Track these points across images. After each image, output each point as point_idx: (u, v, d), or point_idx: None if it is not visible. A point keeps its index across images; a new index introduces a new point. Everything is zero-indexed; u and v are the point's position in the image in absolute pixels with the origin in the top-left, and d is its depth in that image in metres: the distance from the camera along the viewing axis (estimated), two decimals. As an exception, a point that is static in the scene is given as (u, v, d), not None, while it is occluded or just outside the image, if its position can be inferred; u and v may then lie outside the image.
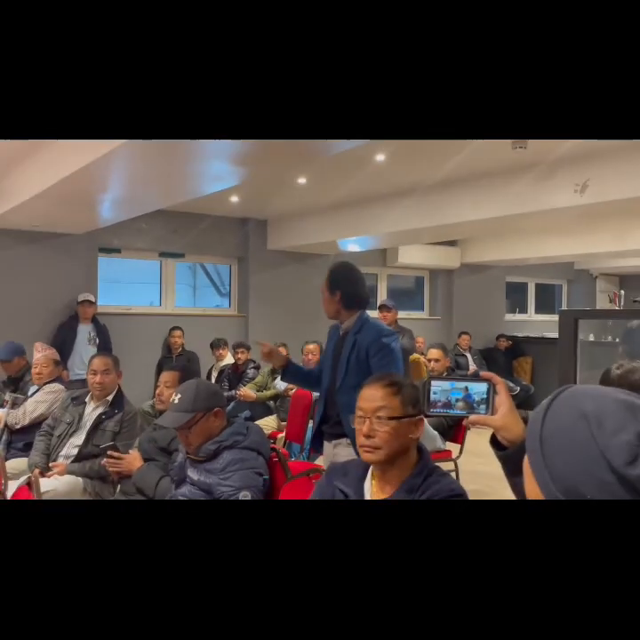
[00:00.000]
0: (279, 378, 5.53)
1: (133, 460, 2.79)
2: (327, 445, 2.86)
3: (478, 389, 1.17)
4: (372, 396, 1.74)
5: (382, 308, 5.42)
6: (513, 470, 1.09)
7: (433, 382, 1.21)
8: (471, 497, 1.72)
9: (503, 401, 1.14)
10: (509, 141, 4.43)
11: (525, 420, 1.13)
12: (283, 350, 5.75)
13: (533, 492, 0.79)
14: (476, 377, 1.21)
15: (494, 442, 1.14)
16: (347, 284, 2.80)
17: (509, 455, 1.10)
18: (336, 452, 2.70)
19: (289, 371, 2.98)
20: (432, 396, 1.20)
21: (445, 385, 1.20)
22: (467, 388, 1.18)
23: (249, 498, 2.18)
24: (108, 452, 2.85)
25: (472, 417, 1.17)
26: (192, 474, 2.34)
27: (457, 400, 1.18)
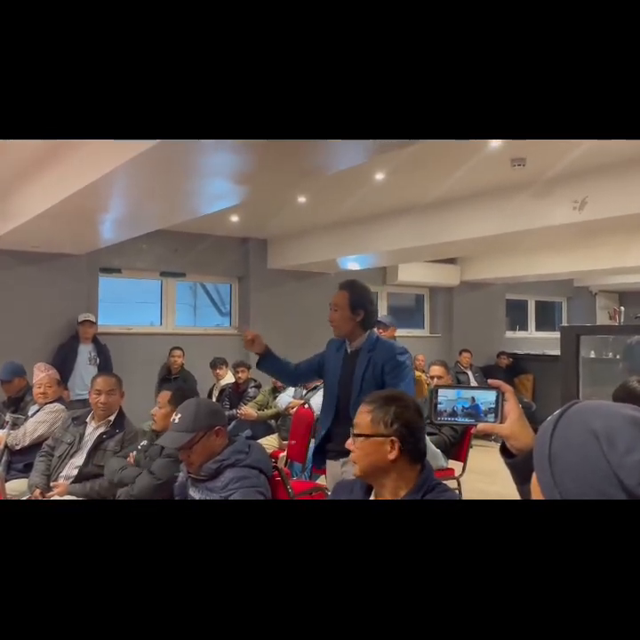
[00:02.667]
0: (280, 396, 5.52)
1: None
2: (333, 464, 2.82)
3: (486, 398, 1.16)
4: (358, 411, 1.78)
5: (379, 324, 5.41)
6: (522, 478, 1.08)
7: (439, 391, 1.20)
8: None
9: (512, 409, 1.14)
10: (508, 159, 4.46)
11: (536, 432, 1.12)
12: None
13: None
14: (484, 385, 1.20)
15: (504, 450, 1.14)
16: (369, 304, 2.83)
17: (519, 463, 1.09)
18: (345, 470, 2.67)
19: (266, 358, 2.94)
20: (439, 406, 1.19)
21: (452, 394, 1.19)
22: (473, 398, 1.17)
23: None
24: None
25: (480, 425, 1.16)
26: (194, 493, 2.32)
27: (463, 409, 1.18)
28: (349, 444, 1.74)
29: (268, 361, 2.97)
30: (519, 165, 4.44)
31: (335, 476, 2.73)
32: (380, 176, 4.86)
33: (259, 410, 5.58)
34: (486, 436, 7.27)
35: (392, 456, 1.66)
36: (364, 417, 1.72)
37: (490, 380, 1.20)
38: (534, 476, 0.81)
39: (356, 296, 2.81)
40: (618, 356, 3.75)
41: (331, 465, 2.86)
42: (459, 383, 7.88)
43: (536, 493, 0.80)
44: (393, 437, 1.66)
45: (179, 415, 2.35)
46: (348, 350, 2.85)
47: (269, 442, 5.14)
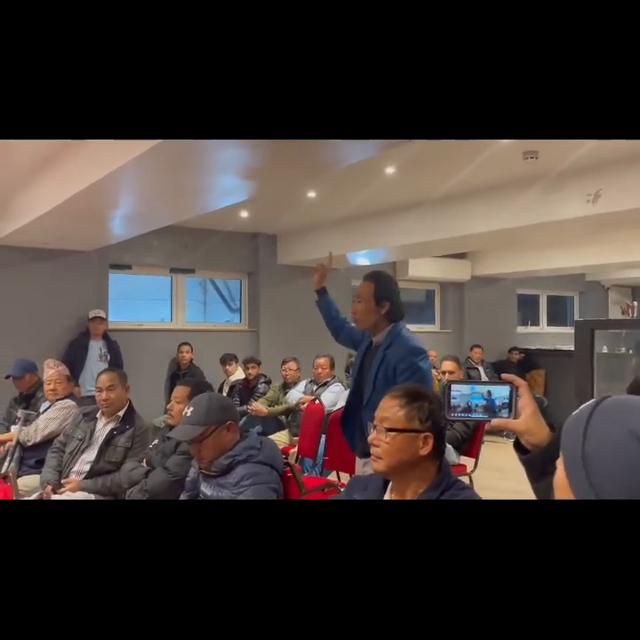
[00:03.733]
0: (290, 392, 5.51)
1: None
2: (359, 461, 2.77)
3: (500, 393, 1.14)
4: (383, 405, 1.73)
5: None
6: (537, 475, 1.05)
7: (453, 386, 1.18)
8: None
9: (527, 404, 1.11)
10: (520, 152, 4.41)
11: (552, 426, 1.10)
12: (294, 365, 5.74)
13: None
14: (497, 380, 1.18)
15: (518, 446, 1.11)
16: (394, 296, 2.71)
17: (534, 459, 1.06)
18: (365, 470, 2.63)
19: (325, 298, 3.07)
20: (452, 401, 1.17)
21: (466, 389, 1.17)
22: (489, 393, 1.14)
23: None
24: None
25: (494, 421, 1.13)
26: (205, 489, 2.31)
27: (477, 405, 1.15)
28: (373, 437, 1.70)
29: (323, 301, 3.09)
30: (531, 158, 4.39)
31: (359, 473, 2.69)
32: (390, 170, 4.82)
33: (269, 406, 5.58)
34: (498, 431, 7.25)
35: (424, 451, 1.64)
36: (395, 411, 1.68)
37: (503, 375, 1.17)
38: (559, 474, 0.77)
39: (382, 287, 2.70)
40: (631, 351, 3.71)
41: (358, 462, 2.80)
42: (469, 379, 7.84)
43: (562, 491, 0.77)
44: (427, 433, 1.65)
45: (191, 408, 2.35)
46: (373, 343, 2.74)
47: (280, 438, 5.13)
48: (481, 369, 8.36)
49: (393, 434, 1.66)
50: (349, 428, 2.81)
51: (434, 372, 6.27)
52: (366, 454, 2.65)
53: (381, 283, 2.73)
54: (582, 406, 0.78)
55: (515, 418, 1.12)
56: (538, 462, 1.06)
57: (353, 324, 2.96)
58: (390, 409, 1.70)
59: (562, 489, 0.77)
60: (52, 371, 3.92)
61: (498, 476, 4.48)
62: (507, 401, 1.13)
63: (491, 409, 1.14)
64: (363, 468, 2.66)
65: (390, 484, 1.74)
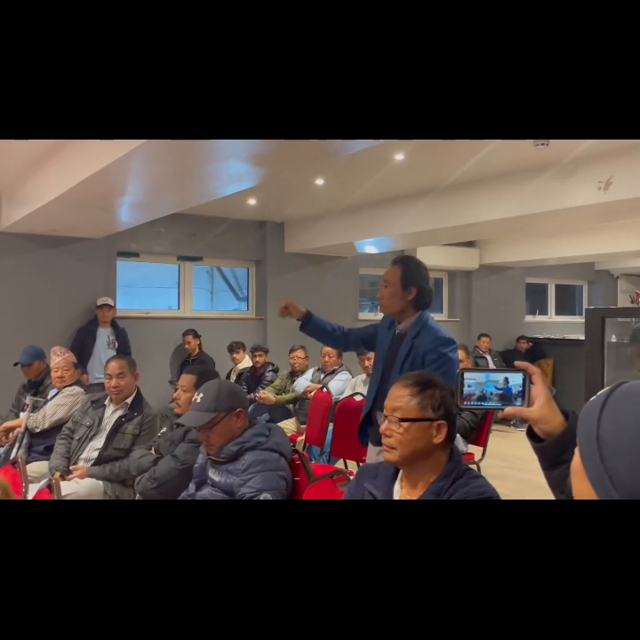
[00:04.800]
0: (298, 380, 5.51)
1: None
2: (372, 449, 2.72)
3: (513, 381, 1.12)
4: (393, 395, 1.70)
5: None
6: (550, 464, 1.04)
7: (466, 374, 1.15)
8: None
9: (540, 391, 1.09)
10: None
11: (565, 414, 1.08)
12: (301, 353, 5.73)
13: (585, 493, 0.74)
14: (510, 367, 1.16)
15: (531, 434, 1.10)
16: (423, 281, 2.63)
17: (548, 448, 1.05)
18: (379, 458, 2.61)
19: (308, 322, 2.87)
20: (466, 389, 1.15)
21: (480, 377, 1.15)
22: (507, 380, 1.12)
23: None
24: None
25: (508, 409, 1.12)
26: (213, 475, 2.31)
27: (492, 393, 1.13)
28: (385, 428, 1.67)
29: (310, 325, 2.89)
30: (542, 145, 4.34)
31: (372, 461, 2.64)
32: (399, 157, 4.78)
33: (276, 394, 5.58)
34: (505, 420, 7.21)
35: (438, 440, 1.63)
36: (407, 401, 1.66)
37: (516, 362, 1.15)
38: (576, 459, 0.76)
39: (410, 272, 2.63)
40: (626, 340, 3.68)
41: (371, 449, 2.75)
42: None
43: (578, 478, 0.75)
44: (441, 421, 1.64)
45: (201, 395, 2.35)
46: (396, 331, 2.66)
47: (287, 426, 5.14)
48: (489, 358, 8.34)
49: (406, 424, 1.64)
50: (369, 410, 2.72)
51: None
52: (379, 443, 2.63)
53: (409, 267, 2.66)
54: (600, 392, 0.77)
55: (528, 406, 1.10)
56: (551, 450, 1.05)
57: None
58: (402, 398, 1.67)
59: (577, 474, 0.75)
60: (58, 358, 3.94)
61: (504, 464, 4.48)
62: (520, 389, 1.12)
63: (506, 397, 1.12)
64: (376, 455, 2.64)
65: (400, 472, 1.73)
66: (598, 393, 0.77)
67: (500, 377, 1.14)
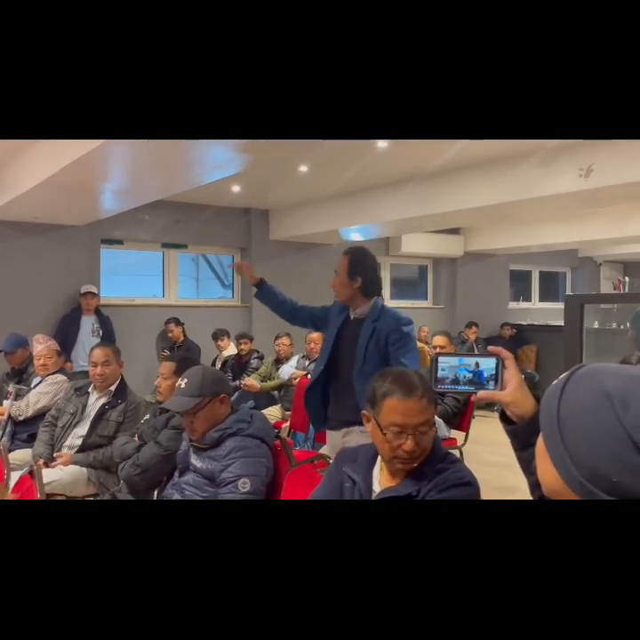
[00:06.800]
0: (282, 367, 5.53)
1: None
2: (334, 434, 2.81)
3: (487, 365, 1.14)
4: (414, 411, 1.63)
5: None
6: (521, 445, 1.07)
7: (440, 358, 1.18)
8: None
9: (512, 376, 1.12)
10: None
11: (537, 398, 1.11)
12: (286, 340, 5.75)
13: (548, 473, 0.76)
14: (484, 352, 1.18)
15: (503, 417, 1.12)
16: (368, 271, 2.80)
17: (519, 430, 1.08)
18: (346, 440, 2.66)
19: (261, 290, 3.02)
20: (440, 373, 1.17)
21: (454, 361, 1.17)
22: (477, 364, 1.15)
23: (248, 486, 2.17)
24: None
25: (481, 393, 1.14)
26: (196, 461, 2.33)
27: (465, 376, 1.16)
28: (414, 446, 1.63)
29: (264, 291, 3.04)
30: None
31: (336, 446, 2.72)
32: (382, 144, 4.78)
33: (261, 381, 5.60)
34: (489, 405, 7.28)
35: (432, 433, 1.68)
36: (432, 409, 1.65)
37: (489, 347, 1.17)
38: (540, 440, 0.78)
39: (354, 262, 2.79)
40: (622, 327, 3.72)
41: (331, 435, 2.86)
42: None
43: (541, 458, 0.78)
44: (435, 417, 1.69)
45: (185, 380, 2.36)
46: (351, 316, 2.83)
47: (272, 412, 5.16)
48: (473, 344, 8.39)
49: (434, 428, 1.67)
50: (317, 398, 2.87)
51: (426, 347, 6.31)
52: (344, 424, 2.70)
53: (356, 258, 2.81)
54: (561, 376, 0.79)
55: (501, 390, 1.13)
56: (522, 433, 1.07)
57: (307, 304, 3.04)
58: (427, 409, 1.64)
59: (541, 455, 0.78)
60: (41, 346, 3.92)
61: (487, 449, 4.53)
62: (493, 373, 1.14)
63: (478, 381, 1.15)
64: (342, 438, 2.71)
65: (379, 456, 1.75)
66: (560, 376, 0.79)
67: (472, 361, 1.16)
